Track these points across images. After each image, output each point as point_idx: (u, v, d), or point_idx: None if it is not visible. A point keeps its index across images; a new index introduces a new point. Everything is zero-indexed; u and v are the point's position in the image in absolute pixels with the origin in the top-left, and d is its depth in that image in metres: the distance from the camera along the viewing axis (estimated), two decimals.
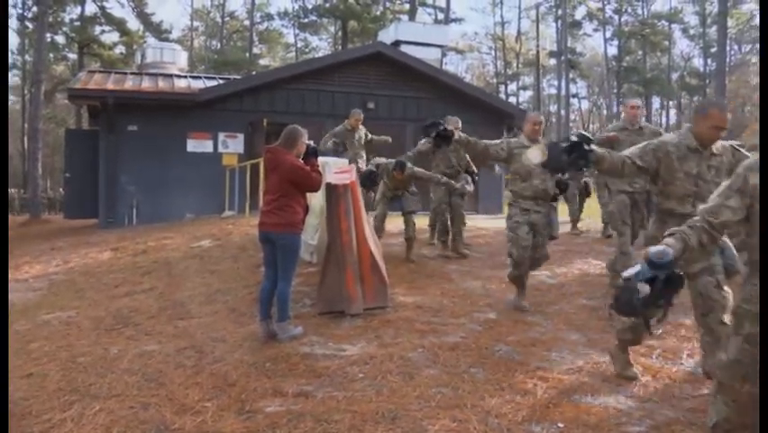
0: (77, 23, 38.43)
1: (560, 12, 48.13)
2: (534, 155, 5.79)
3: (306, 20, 48.60)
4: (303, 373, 4.72)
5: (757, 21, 47.24)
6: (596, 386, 4.36)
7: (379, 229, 8.49)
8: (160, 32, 41.38)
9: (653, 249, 2.87)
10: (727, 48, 38.93)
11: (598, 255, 8.90)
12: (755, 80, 45.13)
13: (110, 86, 16.24)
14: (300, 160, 5.67)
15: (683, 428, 3.70)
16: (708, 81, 47.66)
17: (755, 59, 47.19)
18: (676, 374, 4.60)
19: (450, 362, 4.84)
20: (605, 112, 56.37)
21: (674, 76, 52.57)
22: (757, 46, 46.92)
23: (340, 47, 43.28)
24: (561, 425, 3.76)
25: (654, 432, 3.67)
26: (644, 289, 2.78)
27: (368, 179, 8.29)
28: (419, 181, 8.81)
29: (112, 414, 4.11)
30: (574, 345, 5.24)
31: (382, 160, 8.79)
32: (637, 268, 2.84)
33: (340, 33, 46.10)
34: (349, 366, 4.80)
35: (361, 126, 10.48)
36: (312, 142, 5.85)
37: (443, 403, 4.07)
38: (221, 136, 16.54)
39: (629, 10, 52.17)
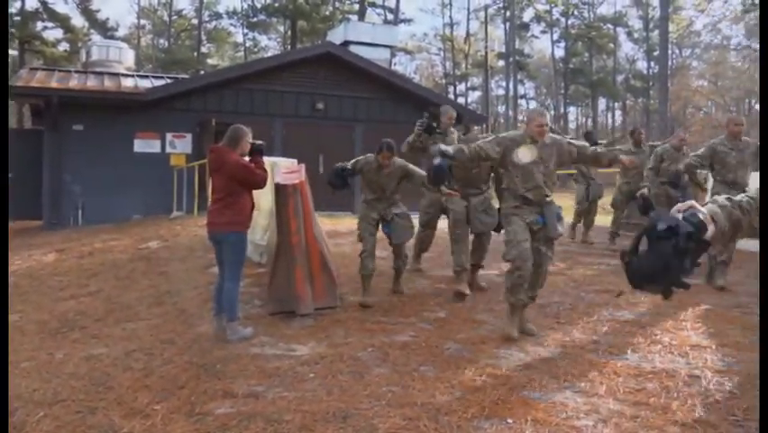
0: (18, 18, 37.39)
1: (508, 14, 48.71)
2: (525, 154, 5.05)
3: (254, 19, 48.28)
4: (253, 373, 4.70)
5: (697, 26, 48.69)
6: (544, 382, 4.44)
7: (369, 267, 6.65)
8: (105, 30, 40.68)
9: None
10: (669, 52, 39.86)
11: None
12: (696, 83, 46.46)
13: (54, 84, 15.89)
14: (245, 158, 5.68)
15: (628, 420, 3.80)
16: (651, 83, 48.80)
17: (696, 62, 48.60)
18: (621, 369, 4.70)
19: (400, 360, 4.88)
20: (552, 112, 57.26)
21: (619, 78, 53.76)
22: (697, 51, 48.36)
23: (289, 47, 43.09)
24: (510, 421, 3.82)
25: (601, 425, 3.75)
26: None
27: (337, 177, 6.76)
28: (409, 181, 6.86)
29: (57, 420, 4.04)
30: (523, 342, 5.32)
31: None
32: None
33: (289, 33, 45.88)
34: (299, 366, 4.80)
35: (452, 129, 7.95)
36: (263, 142, 5.86)
37: (394, 402, 4.10)
38: (168, 136, 16.35)
39: (576, 13, 53.22)
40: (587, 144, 5.39)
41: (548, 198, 5.38)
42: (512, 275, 5.29)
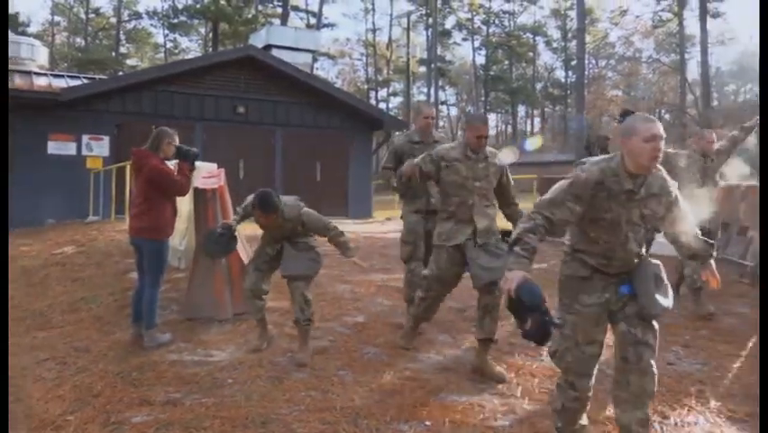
0: None
1: (430, 20, 49.35)
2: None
3: (175, 20, 47.48)
4: (171, 380, 4.65)
5: (611, 38, 50.54)
6: (462, 385, 4.55)
7: (256, 307, 5.31)
8: (16, 25, 39.16)
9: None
10: (586, 62, 41.20)
11: None
12: (611, 93, 48.18)
13: None
14: (165, 162, 5.61)
15: (542, 419, 3.93)
16: (569, 92, 50.30)
17: (611, 73, 50.42)
18: (537, 370, 4.86)
19: (319, 365, 4.91)
20: None
21: (538, 86, 55.20)
22: (612, 62, 50.16)
23: (210, 49, 42.53)
24: (428, 423, 3.91)
25: (517, 425, 3.88)
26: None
27: (216, 244, 5.33)
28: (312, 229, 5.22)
29: None
30: (441, 346, 5.43)
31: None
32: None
33: (211, 35, 45.27)
34: (218, 372, 4.78)
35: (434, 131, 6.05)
36: (197, 150, 5.78)
37: (313, 406, 4.13)
38: (85, 138, 15.85)
39: (497, 21, 54.42)
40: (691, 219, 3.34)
41: (638, 260, 3.29)
42: (562, 392, 3.42)
